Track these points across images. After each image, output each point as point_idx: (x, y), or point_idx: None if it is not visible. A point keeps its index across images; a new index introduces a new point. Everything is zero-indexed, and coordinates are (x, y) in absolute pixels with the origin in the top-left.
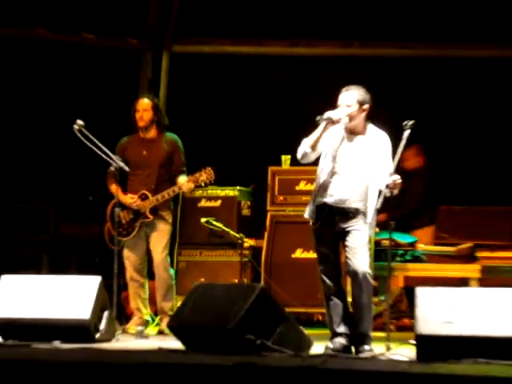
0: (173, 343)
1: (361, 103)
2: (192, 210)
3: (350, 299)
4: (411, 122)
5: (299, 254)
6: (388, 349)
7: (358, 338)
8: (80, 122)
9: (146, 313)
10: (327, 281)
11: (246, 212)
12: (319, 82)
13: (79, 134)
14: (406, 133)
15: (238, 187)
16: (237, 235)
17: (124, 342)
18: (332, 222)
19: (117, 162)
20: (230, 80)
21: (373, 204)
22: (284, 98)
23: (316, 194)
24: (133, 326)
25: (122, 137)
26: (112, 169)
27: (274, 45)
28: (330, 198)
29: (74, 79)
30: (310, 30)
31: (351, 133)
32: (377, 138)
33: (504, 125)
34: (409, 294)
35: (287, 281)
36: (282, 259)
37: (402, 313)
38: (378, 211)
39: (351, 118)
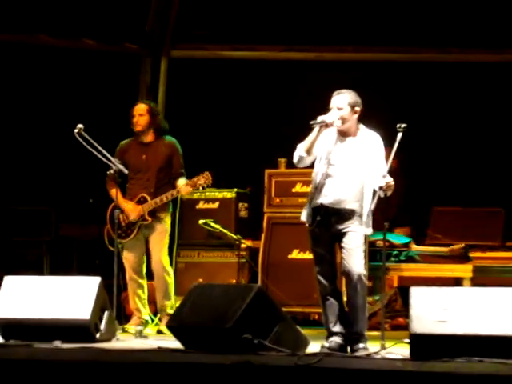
0: (172, 343)
1: (352, 106)
2: (190, 212)
3: (345, 299)
4: (404, 125)
5: (295, 254)
6: (383, 348)
7: (353, 337)
8: (80, 125)
9: (146, 313)
10: (323, 281)
11: (243, 214)
12: (314, 85)
13: (79, 138)
14: (399, 135)
15: (235, 189)
16: (234, 236)
17: (124, 341)
18: (328, 223)
19: (116, 164)
20: (227, 84)
21: (368, 204)
22: (280, 102)
23: (312, 197)
24: (132, 325)
25: (122, 140)
26: (111, 172)
27: (269, 50)
28: (325, 199)
29: (75, 84)
30: (305, 34)
31: (343, 135)
32: (369, 139)
33: (496, 127)
34: (403, 293)
35: (284, 281)
36: (278, 260)
37: (396, 312)
38: (373, 212)
39: (344, 120)
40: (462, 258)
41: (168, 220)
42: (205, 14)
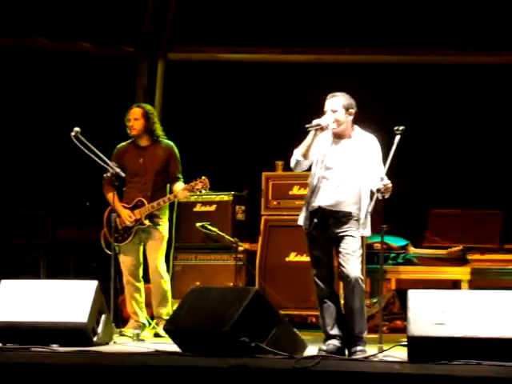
0: (169, 346)
1: (346, 108)
2: (187, 215)
3: (342, 301)
4: (402, 127)
5: (293, 257)
6: (381, 350)
7: (351, 340)
8: (77, 128)
9: (143, 316)
10: (320, 284)
11: (240, 216)
12: (312, 88)
13: (76, 141)
14: (397, 138)
15: (232, 192)
16: (231, 239)
17: (121, 345)
18: (325, 225)
19: (113, 168)
20: (224, 87)
21: (365, 206)
22: (277, 105)
23: (309, 201)
24: (129, 329)
25: (119, 143)
26: (108, 175)
27: (267, 52)
28: (323, 202)
29: (72, 87)
30: (303, 37)
31: (338, 137)
32: (364, 141)
33: (494, 129)
34: (401, 296)
35: (281, 284)
36: (276, 263)
37: (394, 315)
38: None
39: (338, 123)
40: (459, 260)
41: (165, 224)
42: (202, 16)
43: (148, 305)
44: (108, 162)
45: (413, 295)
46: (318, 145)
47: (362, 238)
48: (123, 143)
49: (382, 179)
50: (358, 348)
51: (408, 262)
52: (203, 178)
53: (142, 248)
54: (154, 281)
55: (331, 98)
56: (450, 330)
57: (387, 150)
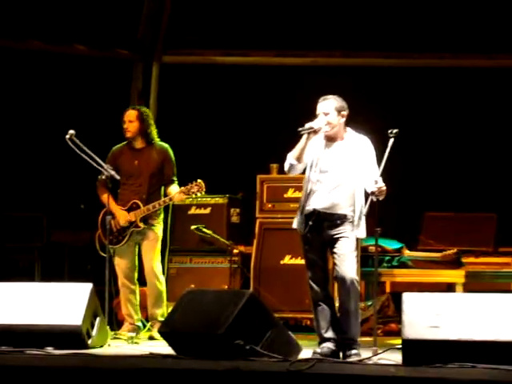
0: (163, 349)
1: (339, 110)
2: (182, 218)
3: (337, 304)
4: (395, 131)
5: (288, 260)
6: (375, 353)
7: (345, 343)
8: (72, 131)
9: (137, 319)
10: (315, 287)
11: (235, 219)
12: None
13: (71, 144)
14: (391, 141)
15: (227, 195)
16: (226, 242)
17: (116, 347)
18: (320, 228)
19: (108, 170)
20: (219, 90)
21: (360, 208)
22: (272, 107)
23: (303, 204)
24: (124, 331)
25: (113, 146)
26: (102, 177)
27: (261, 55)
28: (317, 205)
29: (67, 89)
30: (298, 39)
31: (331, 140)
32: (357, 142)
33: (488, 132)
34: (395, 299)
35: (276, 286)
36: (270, 265)
37: (388, 318)
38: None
39: (331, 125)
40: (454, 263)
41: (160, 227)
42: (196, 19)
43: (143, 307)
44: (103, 164)
45: (407, 298)
46: (311, 148)
47: (357, 239)
48: (118, 145)
49: (376, 182)
50: (353, 351)
51: (402, 264)
52: (199, 181)
53: (136, 250)
54: (149, 282)
55: (323, 101)
56: (444, 333)
57: (381, 153)
